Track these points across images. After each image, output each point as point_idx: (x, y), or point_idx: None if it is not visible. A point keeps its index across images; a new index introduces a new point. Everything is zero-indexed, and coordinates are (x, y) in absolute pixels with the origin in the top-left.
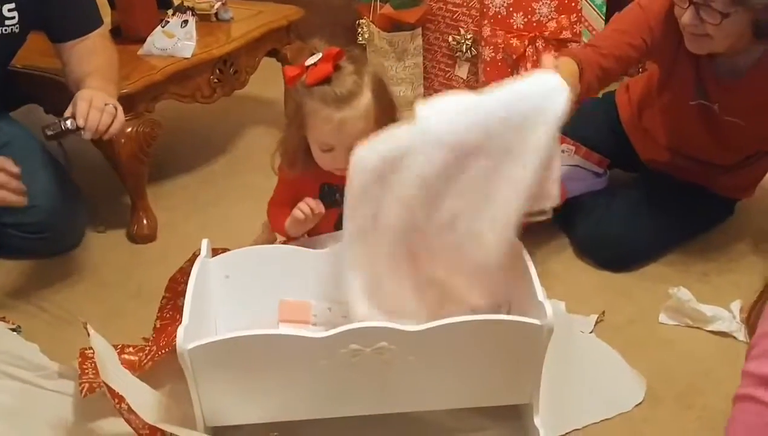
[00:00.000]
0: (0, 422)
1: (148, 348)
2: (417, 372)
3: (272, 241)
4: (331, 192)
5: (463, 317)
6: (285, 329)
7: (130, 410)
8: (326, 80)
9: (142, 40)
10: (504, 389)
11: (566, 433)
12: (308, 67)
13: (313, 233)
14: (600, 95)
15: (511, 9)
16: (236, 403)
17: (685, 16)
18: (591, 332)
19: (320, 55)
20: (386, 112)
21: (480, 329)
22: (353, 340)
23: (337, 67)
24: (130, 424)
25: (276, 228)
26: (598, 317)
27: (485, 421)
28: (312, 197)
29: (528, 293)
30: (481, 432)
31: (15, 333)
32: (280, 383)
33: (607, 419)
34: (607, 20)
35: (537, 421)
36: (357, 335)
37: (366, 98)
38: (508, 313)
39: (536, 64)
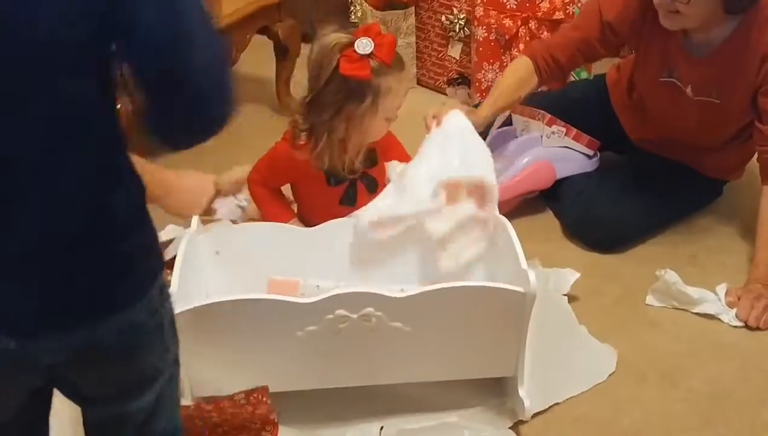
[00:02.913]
0: None
1: None
2: (403, 341)
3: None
4: (336, 170)
5: (448, 283)
6: (272, 295)
7: None
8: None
9: None
10: (489, 359)
11: (549, 408)
12: (369, 54)
13: (317, 210)
14: (591, 77)
15: None
16: (223, 373)
17: None
18: (566, 294)
19: (368, 40)
20: None
21: (464, 295)
22: (340, 305)
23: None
24: None
25: (260, 206)
26: (581, 292)
27: (472, 397)
28: (317, 181)
29: (511, 261)
30: (468, 408)
31: None
32: (267, 352)
33: (592, 398)
34: None
35: (522, 392)
36: (343, 300)
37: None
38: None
39: (529, 44)
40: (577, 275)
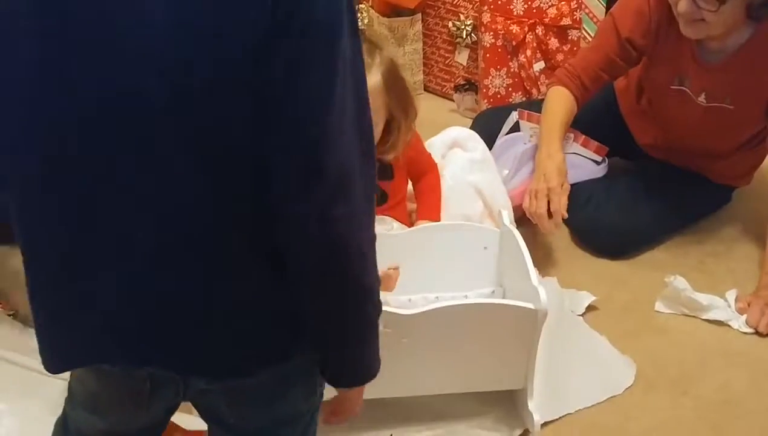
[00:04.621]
0: (3, 406)
1: None
2: (413, 356)
3: None
4: None
5: (458, 301)
6: None
7: None
8: None
9: None
10: (499, 374)
11: (559, 417)
12: None
13: None
14: None
15: None
16: None
17: (682, 5)
18: (582, 314)
19: None
20: (397, 98)
21: (475, 312)
22: None
23: None
24: None
25: None
26: (591, 302)
27: (481, 405)
28: None
29: (522, 277)
30: (477, 416)
31: (11, 318)
32: None
33: (601, 406)
34: (607, 7)
35: (531, 406)
36: None
37: (374, 79)
38: (504, 297)
39: (536, 51)
40: (593, 297)
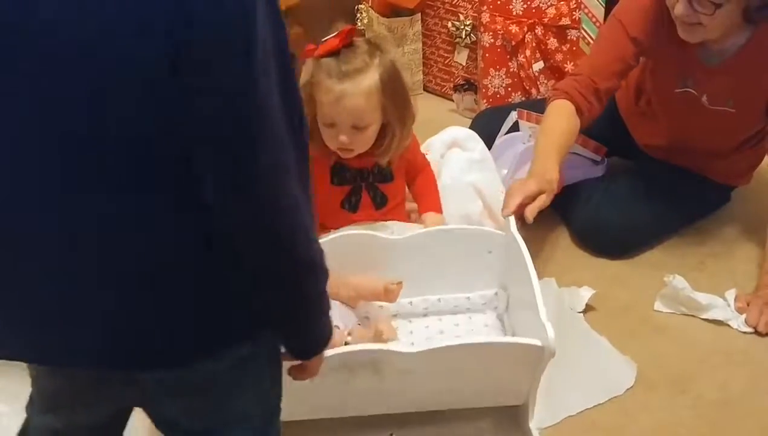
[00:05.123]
0: (3, 408)
1: None
2: (414, 383)
3: None
4: (343, 171)
5: (463, 340)
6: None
7: None
8: (335, 54)
9: None
10: (500, 395)
11: (560, 420)
12: (323, 41)
13: (321, 206)
14: None
15: None
16: None
17: (678, 8)
18: (581, 312)
19: (335, 32)
20: (394, 102)
21: (481, 351)
22: (349, 361)
23: (350, 44)
24: None
25: None
26: (589, 300)
27: (482, 412)
28: (321, 175)
29: (525, 286)
30: (477, 418)
31: None
32: None
33: (601, 406)
34: (606, 7)
35: (531, 424)
36: (354, 357)
37: (371, 79)
38: (506, 304)
39: (535, 51)
40: (592, 291)
